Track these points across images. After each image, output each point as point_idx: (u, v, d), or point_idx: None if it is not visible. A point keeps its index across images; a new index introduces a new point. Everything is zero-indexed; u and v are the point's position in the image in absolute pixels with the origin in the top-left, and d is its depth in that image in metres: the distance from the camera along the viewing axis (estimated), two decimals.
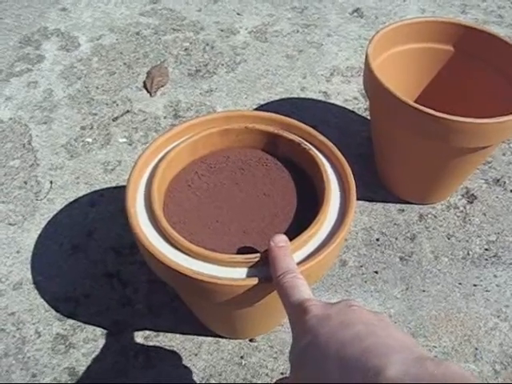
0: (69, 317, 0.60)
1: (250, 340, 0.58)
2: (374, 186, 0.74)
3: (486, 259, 0.67)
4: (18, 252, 0.66)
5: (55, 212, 0.70)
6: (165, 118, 0.84)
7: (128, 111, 0.85)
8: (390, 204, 0.73)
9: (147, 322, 0.60)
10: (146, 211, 0.46)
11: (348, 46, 0.99)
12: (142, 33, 1.00)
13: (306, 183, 0.50)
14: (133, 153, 0.78)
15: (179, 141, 0.51)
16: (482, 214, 0.72)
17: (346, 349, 0.29)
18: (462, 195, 0.74)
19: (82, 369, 0.56)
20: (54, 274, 0.64)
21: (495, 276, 0.65)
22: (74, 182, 0.74)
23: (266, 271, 0.41)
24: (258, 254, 0.41)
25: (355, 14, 1.07)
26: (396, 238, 0.69)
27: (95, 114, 0.84)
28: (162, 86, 0.89)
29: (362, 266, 0.66)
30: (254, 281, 0.40)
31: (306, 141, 0.51)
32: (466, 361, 0.58)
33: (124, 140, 0.80)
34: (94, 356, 0.57)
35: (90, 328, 0.59)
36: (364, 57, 0.65)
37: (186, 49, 0.97)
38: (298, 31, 1.02)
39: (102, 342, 0.58)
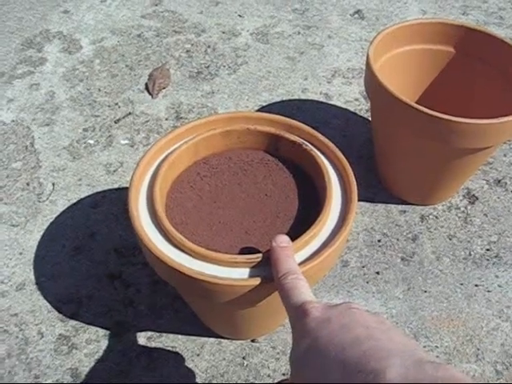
0: (71, 318, 0.60)
1: (252, 341, 0.59)
2: (375, 186, 0.75)
3: (488, 260, 0.67)
4: (20, 253, 0.66)
5: (58, 213, 0.71)
6: (167, 119, 0.84)
7: (130, 113, 0.85)
8: (392, 205, 0.73)
9: (149, 322, 0.60)
10: (148, 212, 0.46)
11: (349, 47, 0.99)
12: (143, 35, 1.00)
13: (307, 184, 0.50)
14: (135, 154, 0.78)
15: (181, 142, 0.52)
16: (484, 215, 0.72)
17: (346, 352, 0.30)
18: (464, 196, 0.74)
19: (84, 370, 0.56)
20: (57, 275, 0.64)
21: (497, 276, 0.65)
22: (77, 183, 0.74)
23: (267, 271, 0.41)
24: (260, 255, 0.42)
25: (356, 15, 1.07)
26: (397, 239, 0.69)
27: (97, 116, 0.84)
28: (164, 88, 0.90)
29: (363, 267, 0.66)
30: (256, 281, 0.40)
31: (308, 142, 0.51)
32: (468, 361, 0.58)
33: (126, 142, 0.80)
34: (96, 357, 0.57)
35: (93, 329, 0.60)
36: (365, 58, 0.65)
37: (187, 51, 0.97)
38: (299, 33, 1.02)
39: (104, 343, 0.58)
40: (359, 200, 0.72)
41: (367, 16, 1.07)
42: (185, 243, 0.42)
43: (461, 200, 0.74)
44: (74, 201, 0.72)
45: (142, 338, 0.59)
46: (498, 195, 0.75)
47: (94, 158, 0.78)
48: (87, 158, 0.78)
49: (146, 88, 0.90)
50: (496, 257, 0.67)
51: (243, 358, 0.57)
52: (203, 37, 1.01)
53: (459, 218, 0.72)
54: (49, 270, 0.65)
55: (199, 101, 0.87)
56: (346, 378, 0.28)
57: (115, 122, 0.83)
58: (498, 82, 0.69)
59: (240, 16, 1.06)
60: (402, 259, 0.67)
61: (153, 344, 0.58)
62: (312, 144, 0.51)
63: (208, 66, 0.94)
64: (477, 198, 0.74)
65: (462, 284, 0.64)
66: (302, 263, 0.42)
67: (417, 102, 0.61)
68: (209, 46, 0.98)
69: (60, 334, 0.59)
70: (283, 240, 0.41)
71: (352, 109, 0.87)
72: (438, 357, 0.58)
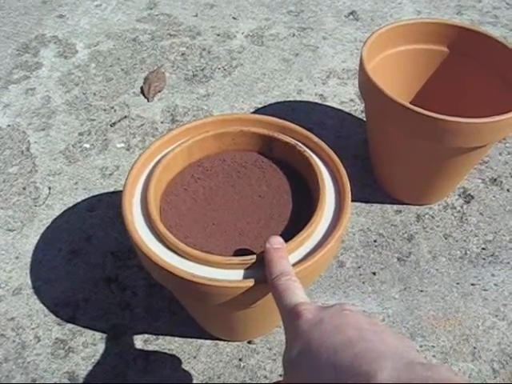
0: (68, 321, 0.60)
1: (249, 342, 0.59)
2: (370, 187, 0.75)
3: (484, 259, 0.67)
4: (17, 257, 0.66)
5: (54, 217, 0.71)
6: (162, 122, 0.84)
7: (125, 117, 0.85)
8: (387, 205, 0.73)
9: (146, 325, 0.60)
10: (142, 215, 0.46)
11: (344, 48, 0.99)
12: (138, 38, 1.01)
13: (301, 185, 0.51)
14: (130, 158, 0.78)
15: (175, 145, 0.52)
16: (479, 214, 0.72)
17: (338, 354, 0.30)
18: (459, 195, 0.74)
19: (81, 373, 0.56)
20: (53, 278, 0.64)
21: (493, 275, 0.65)
22: (73, 187, 0.74)
23: (262, 273, 0.41)
24: (254, 256, 0.42)
25: (351, 16, 1.08)
26: (393, 239, 0.69)
27: (93, 120, 0.84)
28: (160, 91, 0.90)
29: (359, 267, 0.66)
30: (251, 282, 0.41)
31: (302, 143, 0.52)
32: (465, 360, 0.58)
33: (122, 145, 0.81)
34: (93, 360, 0.57)
35: (90, 332, 0.60)
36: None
37: (182, 54, 0.98)
38: (294, 34, 1.02)
39: (101, 346, 0.58)
40: (355, 200, 0.72)
41: (362, 17, 1.07)
42: (179, 245, 0.42)
43: (456, 199, 0.74)
44: (70, 205, 0.72)
45: (139, 341, 0.59)
46: (493, 194, 0.75)
47: (89, 162, 0.78)
48: (83, 161, 0.78)
49: (142, 91, 0.90)
50: (492, 256, 0.67)
51: (240, 359, 0.58)
52: (198, 40, 1.01)
53: (455, 217, 0.72)
54: (45, 273, 0.65)
55: (194, 103, 0.88)
56: (338, 380, 0.28)
57: (111, 126, 0.83)
58: (492, 81, 0.69)
59: (234, 18, 1.06)
60: (398, 259, 0.67)
61: (149, 347, 0.58)
62: (306, 145, 0.52)
63: (203, 69, 0.94)
64: (472, 197, 0.74)
65: (458, 283, 0.65)
66: (296, 264, 0.42)
67: (411, 102, 0.61)
68: (204, 49, 0.99)
69: (57, 338, 0.59)
70: (277, 241, 0.41)
71: (347, 109, 0.87)
72: (434, 356, 0.58)
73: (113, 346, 0.58)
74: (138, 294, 0.63)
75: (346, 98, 0.89)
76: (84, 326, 0.60)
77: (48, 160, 0.78)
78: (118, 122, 0.84)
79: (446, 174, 0.67)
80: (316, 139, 0.51)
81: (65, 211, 0.72)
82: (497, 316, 0.61)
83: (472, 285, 0.64)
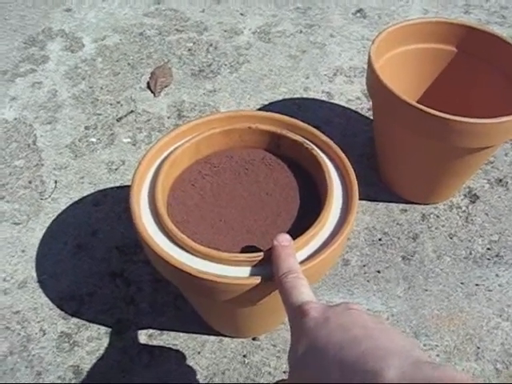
0: (73, 315, 0.61)
1: (253, 339, 0.59)
2: (376, 185, 0.75)
3: (489, 259, 0.67)
4: (22, 251, 0.67)
5: (60, 211, 0.71)
6: (168, 118, 0.84)
7: (132, 111, 0.85)
8: (393, 204, 0.73)
9: (151, 320, 0.60)
10: (149, 210, 0.46)
11: (351, 46, 0.99)
12: (145, 33, 1.01)
13: (308, 183, 0.51)
14: (136, 153, 0.79)
15: (183, 141, 0.52)
16: (485, 214, 0.72)
17: (344, 352, 0.30)
18: (465, 195, 0.74)
19: (86, 367, 0.57)
20: (59, 272, 0.64)
21: (497, 276, 0.65)
22: (79, 181, 0.75)
23: (269, 270, 0.41)
24: (262, 253, 0.42)
25: (358, 14, 1.07)
26: (398, 238, 0.69)
27: (99, 114, 0.84)
28: (166, 87, 0.90)
29: (364, 266, 0.66)
30: (257, 279, 0.41)
31: (309, 141, 0.52)
32: (468, 360, 0.58)
33: (128, 140, 0.81)
34: (97, 354, 0.58)
35: (95, 326, 0.60)
36: (367, 57, 0.65)
37: (189, 49, 0.98)
38: (301, 31, 1.02)
39: (106, 341, 0.59)
40: (360, 199, 0.72)
41: (369, 15, 1.07)
42: (186, 242, 0.42)
43: (462, 199, 0.74)
44: (76, 199, 0.72)
45: (144, 336, 0.59)
46: (499, 194, 0.75)
47: (96, 156, 0.78)
48: (89, 156, 0.78)
49: (148, 86, 0.90)
50: (497, 256, 0.67)
51: (244, 355, 0.58)
52: (205, 35, 1.01)
53: (460, 217, 0.72)
54: (51, 267, 0.65)
55: (201, 99, 0.88)
56: (344, 378, 0.28)
57: (117, 121, 0.83)
58: (499, 81, 0.69)
59: (242, 14, 1.06)
60: (403, 258, 0.67)
61: (154, 342, 0.59)
62: (313, 143, 0.52)
63: (210, 65, 0.94)
64: (478, 197, 0.74)
65: (462, 283, 0.65)
66: (302, 262, 0.42)
67: (418, 101, 0.61)
68: (211, 45, 0.99)
69: (62, 332, 0.59)
70: (284, 239, 0.41)
71: (354, 107, 0.87)
72: (438, 355, 0.58)
73: (117, 341, 0.59)
74: (143, 289, 0.63)
75: (352, 95, 0.89)
76: (89, 320, 0.60)
77: (54, 154, 0.78)
78: (124, 116, 0.84)
79: (452, 173, 0.67)
80: (324, 137, 0.51)
81: (71, 205, 0.72)
82: (501, 316, 0.62)
83: (476, 285, 0.64)
